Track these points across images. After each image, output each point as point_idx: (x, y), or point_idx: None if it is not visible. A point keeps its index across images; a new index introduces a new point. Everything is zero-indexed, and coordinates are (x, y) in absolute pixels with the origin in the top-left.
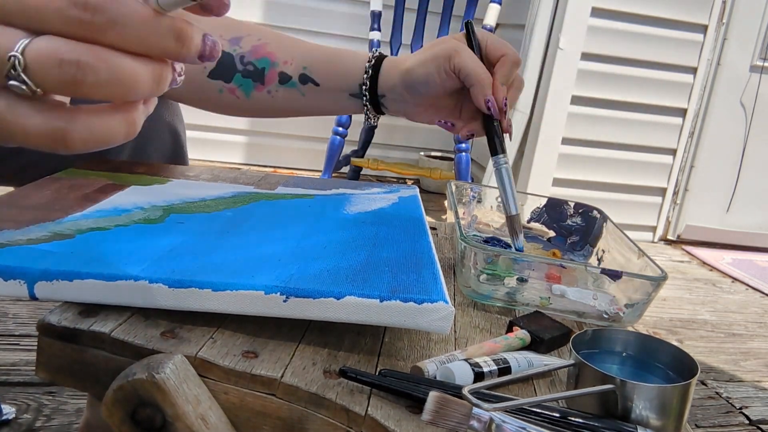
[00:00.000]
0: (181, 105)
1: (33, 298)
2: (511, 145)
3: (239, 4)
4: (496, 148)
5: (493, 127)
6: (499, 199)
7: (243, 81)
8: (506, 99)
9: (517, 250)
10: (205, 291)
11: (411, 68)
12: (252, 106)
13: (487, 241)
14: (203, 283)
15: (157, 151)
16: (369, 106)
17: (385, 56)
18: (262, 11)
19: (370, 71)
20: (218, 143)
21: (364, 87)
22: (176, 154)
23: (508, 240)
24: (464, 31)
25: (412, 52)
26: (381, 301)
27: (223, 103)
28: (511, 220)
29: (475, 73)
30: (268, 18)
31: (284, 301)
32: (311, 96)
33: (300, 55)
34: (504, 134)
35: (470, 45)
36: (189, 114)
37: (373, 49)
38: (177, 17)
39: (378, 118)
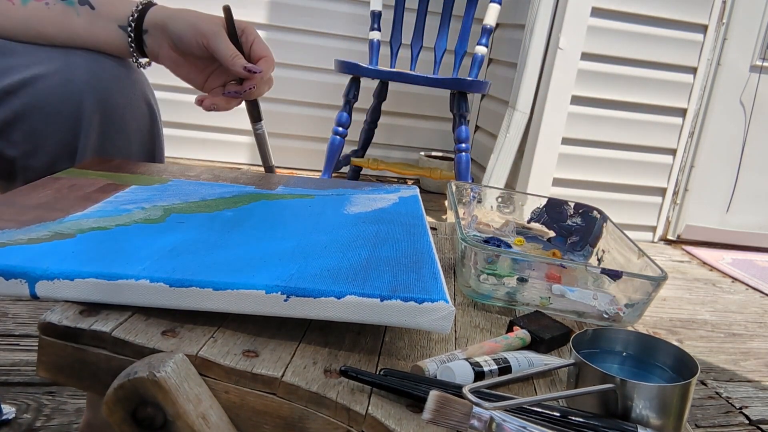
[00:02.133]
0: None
1: (34, 297)
2: (511, 145)
3: (239, 4)
4: (255, 117)
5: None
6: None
7: None
8: (260, 71)
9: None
10: (206, 290)
11: (174, 18)
12: (25, 14)
13: (487, 241)
14: (204, 282)
15: (135, 120)
16: (133, 38)
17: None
18: (262, 11)
19: (141, 6)
20: (218, 143)
21: (131, 18)
22: (153, 133)
23: (508, 240)
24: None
25: (412, 52)
26: (381, 301)
27: None
28: (269, 170)
29: (226, 53)
30: (268, 18)
31: (285, 300)
32: (84, 18)
33: None
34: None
35: (230, 27)
36: (190, 114)
37: None
38: None
39: (143, 64)
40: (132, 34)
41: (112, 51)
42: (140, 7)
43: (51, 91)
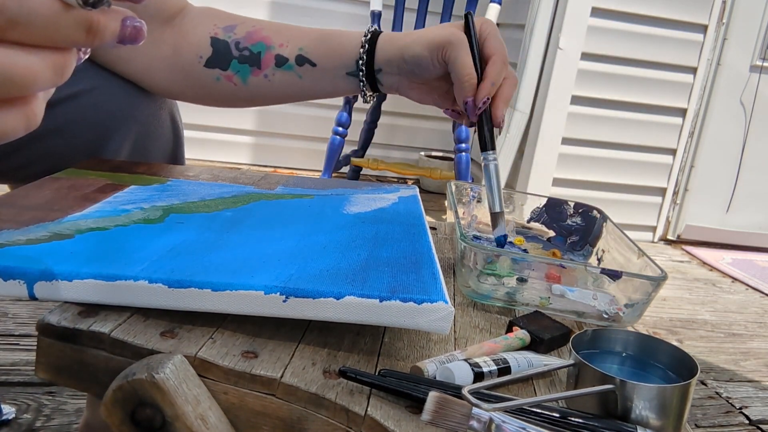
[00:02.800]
0: (179, 104)
1: (32, 298)
2: (511, 145)
3: (240, 4)
4: (485, 144)
5: (482, 123)
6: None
7: (240, 67)
8: (489, 98)
9: (497, 242)
10: (205, 291)
11: (408, 45)
12: (250, 92)
13: (476, 238)
14: (203, 283)
15: (158, 150)
16: (365, 82)
17: (380, 32)
18: (262, 11)
19: (367, 45)
20: (218, 143)
21: (360, 62)
22: (176, 154)
23: (510, 239)
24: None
25: None
26: (381, 301)
27: (221, 93)
28: (494, 217)
29: (461, 71)
30: (268, 18)
31: (284, 301)
32: (308, 77)
33: (295, 37)
34: (495, 128)
35: (468, 36)
36: (190, 114)
37: (368, 26)
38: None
39: (374, 96)
40: (363, 79)
41: (341, 95)
42: (366, 47)
43: (85, 107)
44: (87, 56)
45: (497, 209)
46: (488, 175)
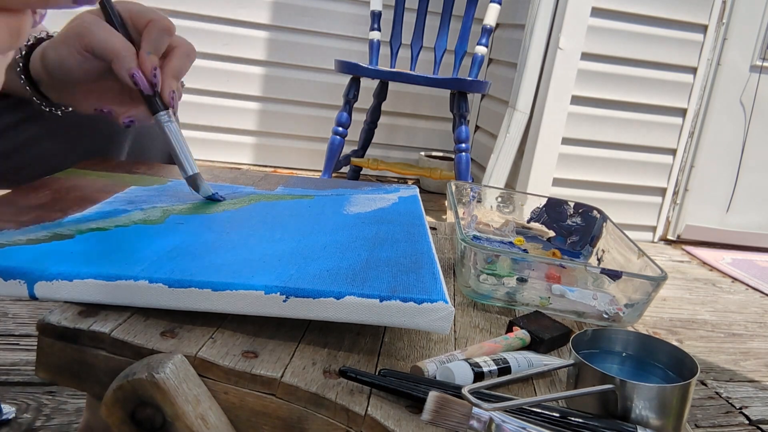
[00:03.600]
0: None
1: (33, 297)
2: (511, 145)
3: (240, 4)
4: (155, 106)
5: (150, 96)
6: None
7: None
8: (157, 70)
9: (211, 198)
10: (205, 291)
11: (44, 52)
12: None
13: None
14: (203, 283)
15: (156, 150)
16: (32, 91)
17: (46, 39)
18: (262, 11)
19: (24, 50)
20: (218, 143)
21: (18, 69)
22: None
23: (510, 239)
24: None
25: (412, 52)
26: (381, 301)
27: None
28: (193, 180)
29: (110, 47)
30: (269, 18)
31: (284, 301)
32: None
33: None
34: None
35: (108, 20)
36: (190, 114)
37: (41, 31)
38: None
39: (63, 109)
40: (28, 87)
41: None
42: (24, 51)
43: (72, 113)
44: (43, 20)
45: (192, 171)
46: (172, 137)
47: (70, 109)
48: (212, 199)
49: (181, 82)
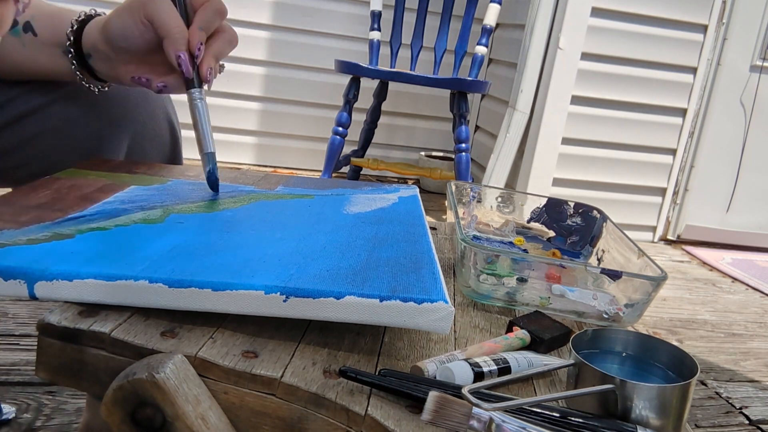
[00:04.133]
0: (176, 104)
1: (33, 297)
2: (511, 145)
3: (241, 4)
4: (191, 81)
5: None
6: None
7: None
8: (202, 45)
9: (208, 181)
10: (205, 291)
11: (108, 21)
12: None
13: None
14: (203, 283)
15: (156, 150)
16: (76, 65)
17: (97, 15)
18: (262, 11)
19: (75, 26)
20: (218, 143)
21: (68, 43)
22: (174, 154)
23: (510, 239)
24: None
25: (412, 52)
26: (381, 301)
27: None
28: (209, 156)
29: (166, 23)
30: (269, 18)
31: (284, 301)
32: (30, 47)
33: (35, 5)
34: (203, 83)
35: None
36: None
37: (92, 9)
38: None
39: (101, 86)
40: (74, 61)
41: (63, 79)
42: (75, 26)
43: (70, 108)
44: (28, 6)
45: (210, 149)
46: (199, 114)
47: (107, 87)
48: (211, 184)
49: (221, 63)
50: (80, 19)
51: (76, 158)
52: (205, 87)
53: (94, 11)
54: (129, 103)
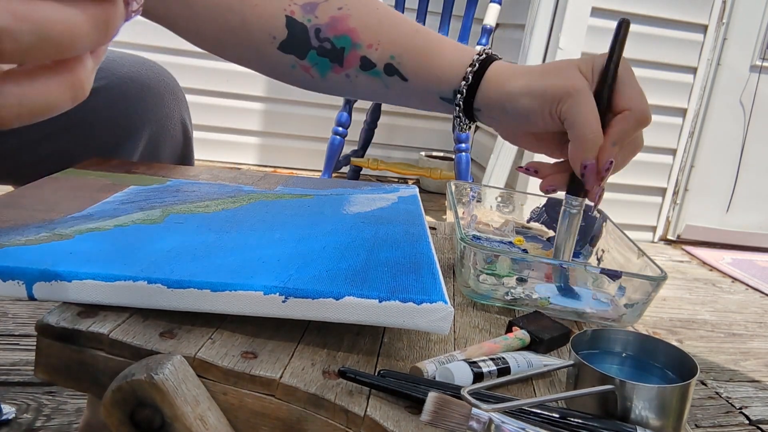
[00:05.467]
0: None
1: (31, 298)
2: (511, 145)
3: None
4: (575, 189)
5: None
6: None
7: (318, 59)
8: (611, 164)
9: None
10: (204, 291)
11: (514, 95)
12: (329, 86)
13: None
14: (202, 283)
15: (169, 151)
16: (462, 117)
17: (493, 59)
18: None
19: (470, 78)
20: (218, 143)
21: (459, 96)
22: (185, 156)
23: (510, 239)
24: (607, 57)
25: None
26: (380, 302)
27: (298, 80)
28: (556, 270)
29: (582, 128)
30: None
31: (283, 301)
32: (396, 89)
33: (389, 38)
34: (592, 204)
35: (604, 77)
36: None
37: (480, 49)
38: None
39: (469, 125)
40: (460, 114)
41: (433, 111)
42: (470, 79)
43: (100, 106)
44: (138, 13)
45: (560, 261)
46: (566, 225)
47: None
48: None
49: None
50: (476, 68)
51: (93, 156)
52: (593, 208)
53: (485, 53)
54: (147, 104)
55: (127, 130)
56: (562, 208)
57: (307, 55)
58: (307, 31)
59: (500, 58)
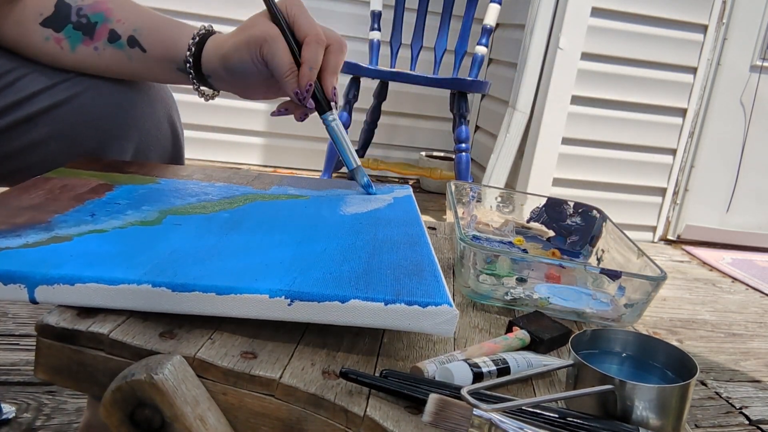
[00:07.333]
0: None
1: (33, 302)
2: (511, 145)
3: (240, 4)
4: (321, 107)
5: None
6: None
7: (72, 33)
8: (311, 86)
9: (365, 189)
10: (209, 295)
11: (228, 55)
12: (75, 60)
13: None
14: (207, 287)
15: (160, 149)
16: (197, 84)
17: (211, 33)
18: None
19: (194, 49)
20: (218, 143)
21: (188, 65)
22: (176, 152)
23: (510, 239)
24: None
25: (412, 52)
26: (386, 305)
27: (45, 52)
28: (353, 172)
29: (281, 69)
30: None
31: (289, 304)
32: (138, 61)
33: (134, 16)
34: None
35: (278, 23)
36: (190, 114)
37: (201, 25)
38: None
39: (215, 93)
40: (195, 81)
41: (178, 84)
42: (193, 50)
43: (79, 112)
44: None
45: (354, 165)
46: (334, 134)
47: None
48: (368, 192)
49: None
50: (196, 40)
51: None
52: (333, 107)
53: (204, 29)
54: (136, 110)
55: (114, 133)
56: (326, 125)
57: (64, 28)
58: (71, 9)
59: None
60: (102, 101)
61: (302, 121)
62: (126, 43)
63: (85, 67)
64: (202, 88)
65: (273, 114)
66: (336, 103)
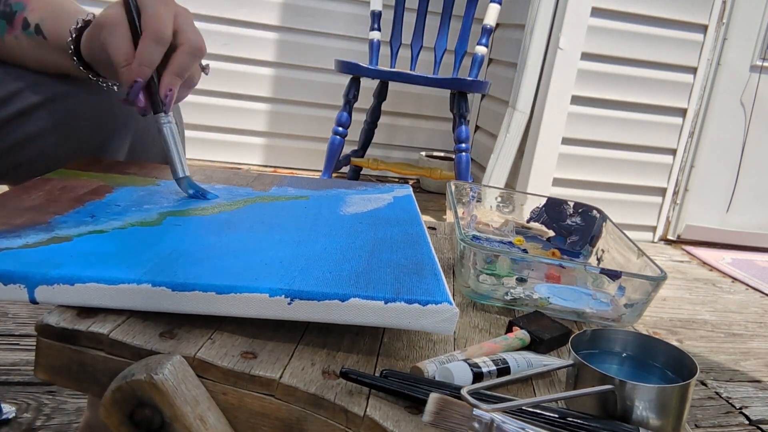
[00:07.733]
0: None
1: (33, 302)
2: (511, 145)
3: (239, 4)
4: (155, 107)
5: (151, 88)
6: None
7: None
8: (140, 81)
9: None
10: (209, 294)
11: (85, 40)
12: (5, 49)
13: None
14: (207, 286)
15: (156, 150)
16: (85, 71)
17: (91, 22)
18: (262, 11)
19: (74, 35)
20: (218, 143)
21: (71, 51)
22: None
23: (510, 239)
24: None
25: (412, 52)
26: (386, 303)
27: None
28: (180, 182)
29: (114, 56)
30: (269, 18)
31: (289, 303)
32: (45, 49)
33: (44, 4)
34: (163, 100)
35: (128, 8)
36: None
37: (88, 14)
38: None
39: (107, 84)
40: (81, 68)
41: (79, 76)
42: (74, 35)
43: (74, 105)
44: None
45: (183, 174)
46: (164, 138)
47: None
48: (196, 197)
49: (206, 64)
50: (78, 26)
51: (78, 157)
52: (172, 110)
53: (92, 16)
54: (126, 112)
55: (112, 130)
56: (158, 127)
57: None
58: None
59: None
60: (97, 96)
61: (143, 115)
62: (34, 31)
63: (13, 56)
64: (93, 77)
65: (122, 101)
66: (167, 106)
